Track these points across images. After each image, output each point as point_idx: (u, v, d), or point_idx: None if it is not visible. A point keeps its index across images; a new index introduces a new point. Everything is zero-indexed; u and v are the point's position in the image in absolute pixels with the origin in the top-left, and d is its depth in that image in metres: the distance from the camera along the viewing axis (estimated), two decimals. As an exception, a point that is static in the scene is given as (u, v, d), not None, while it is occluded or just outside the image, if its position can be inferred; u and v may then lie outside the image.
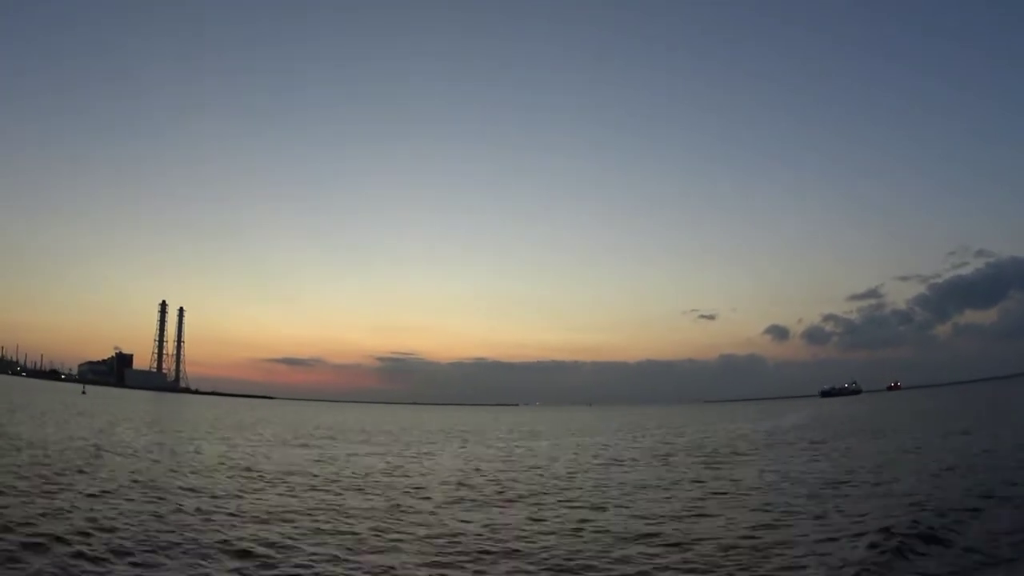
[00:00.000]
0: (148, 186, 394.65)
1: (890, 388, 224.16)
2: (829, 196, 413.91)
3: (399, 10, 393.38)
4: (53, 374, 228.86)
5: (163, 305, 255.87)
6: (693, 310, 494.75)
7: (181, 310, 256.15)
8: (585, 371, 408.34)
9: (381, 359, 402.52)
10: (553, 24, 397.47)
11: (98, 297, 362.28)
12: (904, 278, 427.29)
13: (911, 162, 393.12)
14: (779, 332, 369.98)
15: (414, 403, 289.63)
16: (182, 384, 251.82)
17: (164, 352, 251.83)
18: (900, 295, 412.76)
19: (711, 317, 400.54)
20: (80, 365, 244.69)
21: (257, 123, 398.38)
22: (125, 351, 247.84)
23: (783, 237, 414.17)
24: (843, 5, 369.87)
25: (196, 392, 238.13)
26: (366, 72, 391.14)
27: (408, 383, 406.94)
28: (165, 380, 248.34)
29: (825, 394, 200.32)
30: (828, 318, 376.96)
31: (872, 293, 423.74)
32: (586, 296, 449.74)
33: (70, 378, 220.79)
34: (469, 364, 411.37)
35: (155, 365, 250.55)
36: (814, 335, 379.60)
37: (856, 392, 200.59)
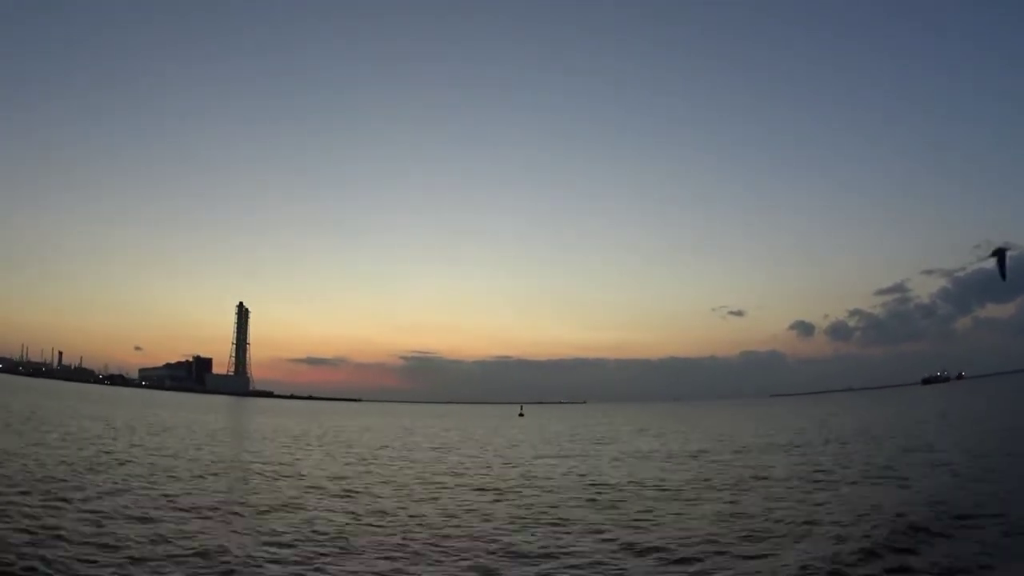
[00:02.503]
0: (172, 188, 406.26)
1: (926, 381, 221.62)
2: (859, 191, 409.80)
3: (428, 15, 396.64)
4: (84, 373, 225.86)
5: (241, 307, 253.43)
6: (722, 306, 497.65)
7: (246, 311, 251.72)
8: (609, 368, 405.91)
9: (405, 358, 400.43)
10: (573, 24, 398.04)
11: (120, 298, 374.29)
12: (929, 272, 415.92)
13: (938, 157, 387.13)
14: (804, 328, 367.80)
15: (446, 402, 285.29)
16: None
17: (234, 355, 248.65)
18: (925, 289, 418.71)
19: (739, 313, 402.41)
20: (144, 368, 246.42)
21: (278, 126, 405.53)
22: (193, 355, 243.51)
23: (813, 232, 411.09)
24: (867, 5, 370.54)
25: (271, 395, 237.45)
26: (387, 75, 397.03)
27: (432, 382, 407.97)
28: (247, 384, 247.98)
29: (927, 381, 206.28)
30: (854, 313, 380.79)
31: (898, 287, 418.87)
32: (612, 294, 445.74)
33: (125, 382, 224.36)
34: (493, 362, 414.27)
35: (231, 369, 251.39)
36: (838, 331, 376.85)
37: (945, 380, 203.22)
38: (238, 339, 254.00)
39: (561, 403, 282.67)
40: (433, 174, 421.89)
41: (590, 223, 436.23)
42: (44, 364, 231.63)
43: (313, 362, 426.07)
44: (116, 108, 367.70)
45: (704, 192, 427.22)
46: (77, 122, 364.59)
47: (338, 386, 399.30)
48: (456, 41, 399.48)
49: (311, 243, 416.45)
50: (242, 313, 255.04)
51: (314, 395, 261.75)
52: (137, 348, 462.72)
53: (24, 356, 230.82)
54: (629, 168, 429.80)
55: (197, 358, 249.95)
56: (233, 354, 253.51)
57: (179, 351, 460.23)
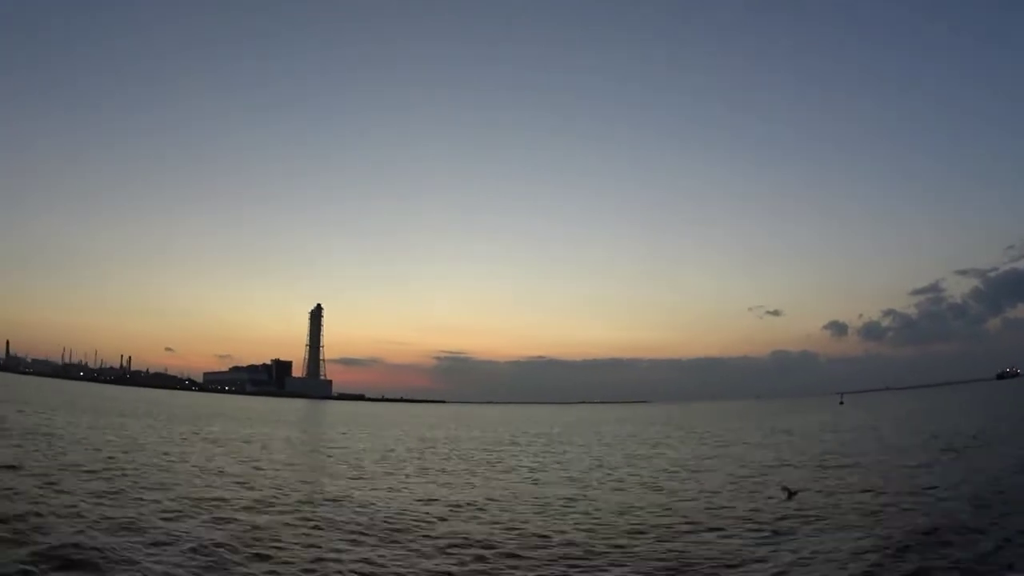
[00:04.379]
0: (206, 191, 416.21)
1: (1000, 376, 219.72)
2: (896, 191, 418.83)
3: (462, 20, 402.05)
4: (166, 379, 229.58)
5: (318, 309, 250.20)
6: (759, 306, 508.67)
7: (320, 314, 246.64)
8: (641, 368, 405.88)
9: (438, 358, 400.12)
10: (612, 25, 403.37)
11: (150, 300, 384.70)
12: (963, 272, 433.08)
13: (972, 159, 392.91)
14: (838, 328, 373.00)
15: (486, 402, 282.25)
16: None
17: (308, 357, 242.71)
18: (958, 289, 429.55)
19: (776, 313, 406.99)
20: (210, 372, 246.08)
21: (311, 130, 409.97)
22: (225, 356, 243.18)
23: (852, 232, 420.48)
24: (899, 7, 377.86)
25: (361, 398, 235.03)
26: (423, 80, 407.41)
27: (465, 382, 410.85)
28: (328, 387, 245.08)
29: (1001, 376, 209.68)
30: (888, 313, 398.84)
31: (933, 287, 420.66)
32: (645, 294, 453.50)
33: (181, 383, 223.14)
34: (526, 363, 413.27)
35: (307, 371, 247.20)
36: (871, 331, 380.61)
37: (1014, 376, 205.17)
38: (314, 342, 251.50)
39: (623, 402, 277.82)
40: (466, 177, 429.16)
41: (625, 224, 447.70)
42: (132, 370, 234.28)
43: (347, 363, 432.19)
44: (145, 112, 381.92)
45: (742, 191, 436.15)
46: (110, 126, 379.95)
47: (373, 387, 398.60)
48: (495, 45, 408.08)
49: (344, 245, 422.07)
50: (316, 316, 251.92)
51: (387, 396, 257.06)
52: (168, 349, 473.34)
53: (68, 358, 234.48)
54: (666, 168, 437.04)
55: (277, 361, 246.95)
56: (311, 357, 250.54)
57: (211, 352, 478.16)
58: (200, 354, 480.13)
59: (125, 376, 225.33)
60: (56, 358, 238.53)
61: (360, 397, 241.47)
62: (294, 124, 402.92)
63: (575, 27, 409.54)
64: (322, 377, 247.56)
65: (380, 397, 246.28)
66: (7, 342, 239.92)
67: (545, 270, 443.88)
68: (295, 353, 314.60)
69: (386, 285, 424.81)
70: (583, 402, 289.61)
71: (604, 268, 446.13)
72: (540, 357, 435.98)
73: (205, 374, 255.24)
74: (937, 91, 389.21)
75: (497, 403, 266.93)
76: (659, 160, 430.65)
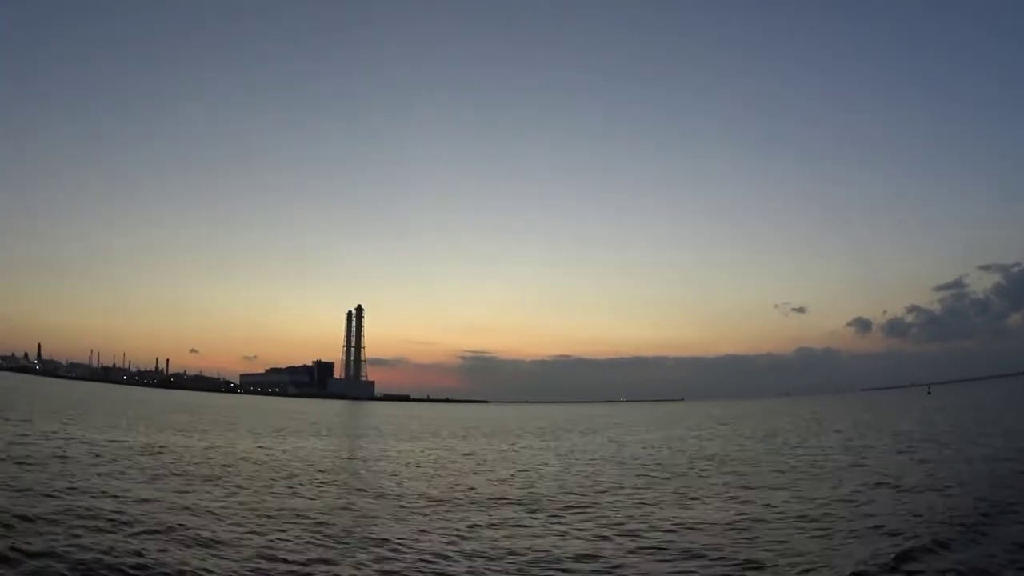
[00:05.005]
0: (225, 190, 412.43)
1: None
2: (919, 187, 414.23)
3: (497, 20, 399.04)
4: (209, 382, 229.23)
5: (359, 310, 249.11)
6: (785, 303, 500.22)
7: (360, 314, 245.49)
8: (667, 366, 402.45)
9: (463, 358, 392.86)
10: (636, 25, 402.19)
11: (174, 300, 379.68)
12: (986, 267, 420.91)
13: (996, 155, 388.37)
14: (862, 324, 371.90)
15: (512, 401, 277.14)
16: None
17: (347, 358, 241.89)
18: (981, 284, 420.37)
19: (801, 310, 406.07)
20: (247, 374, 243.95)
21: (332, 128, 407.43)
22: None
23: (877, 228, 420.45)
24: (918, 4, 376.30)
25: (407, 399, 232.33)
26: (445, 80, 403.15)
27: (491, 382, 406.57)
28: (370, 388, 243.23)
29: None
30: (912, 309, 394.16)
31: (956, 283, 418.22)
32: (670, 292, 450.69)
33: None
34: (552, 361, 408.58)
35: (346, 373, 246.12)
36: (894, 327, 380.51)
37: None
38: (355, 343, 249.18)
39: (650, 401, 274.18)
40: (489, 177, 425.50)
41: (649, 222, 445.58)
42: (171, 373, 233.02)
43: (373, 363, 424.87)
44: (171, 114, 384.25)
45: (767, 188, 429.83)
46: (137, 128, 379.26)
47: (399, 386, 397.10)
48: (526, 46, 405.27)
49: (367, 245, 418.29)
50: (358, 316, 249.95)
51: (432, 396, 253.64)
52: (193, 351, 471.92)
53: (96, 361, 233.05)
54: (693, 167, 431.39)
55: (318, 363, 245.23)
56: (352, 358, 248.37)
57: (237, 353, 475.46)
58: (225, 355, 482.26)
59: (169, 379, 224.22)
60: (84, 360, 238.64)
61: (405, 398, 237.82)
62: (320, 125, 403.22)
63: (608, 24, 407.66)
64: (363, 378, 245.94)
65: (425, 397, 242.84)
66: (39, 345, 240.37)
67: (569, 269, 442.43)
68: (321, 353, 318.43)
69: (410, 285, 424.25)
70: (610, 401, 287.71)
71: (629, 266, 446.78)
72: (565, 356, 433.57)
73: (241, 376, 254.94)
74: (959, 87, 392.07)
75: (531, 402, 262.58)
76: (685, 159, 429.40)
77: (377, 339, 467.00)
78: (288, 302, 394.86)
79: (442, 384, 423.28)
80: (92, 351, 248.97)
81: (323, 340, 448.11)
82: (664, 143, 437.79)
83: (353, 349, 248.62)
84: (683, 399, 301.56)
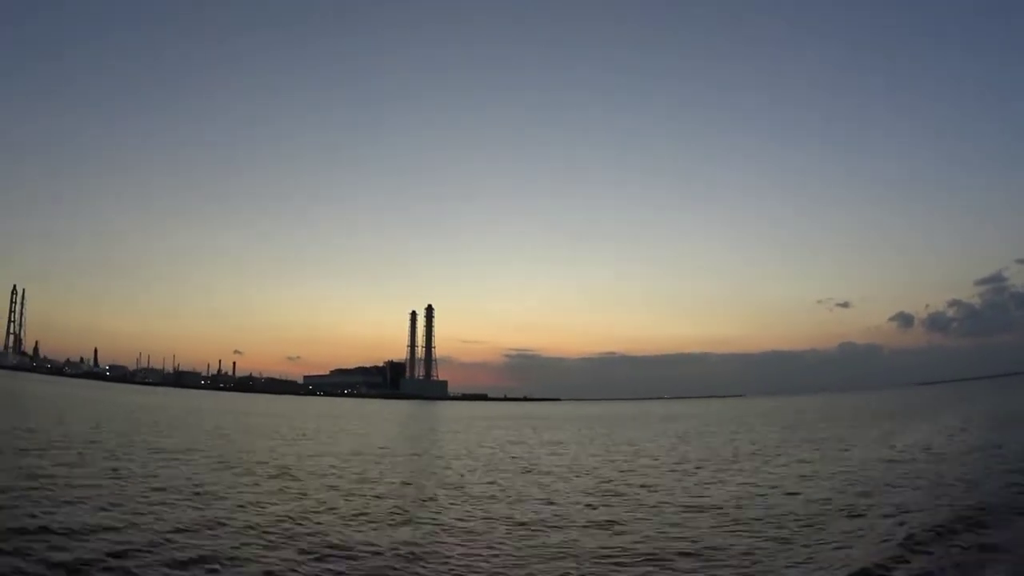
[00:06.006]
0: (272, 191, 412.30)
1: None
2: (961, 177, 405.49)
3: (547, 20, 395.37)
4: (284, 385, 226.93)
5: (429, 309, 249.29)
6: (829, 298, 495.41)
7: (431, 311, 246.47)
8: (711, 363, 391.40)
9: (508, 356, 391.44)
10: (671, 22, 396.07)
11: (218, 301, 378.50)
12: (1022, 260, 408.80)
13: None
14: (904, 319, 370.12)
15: (566, 399, 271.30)
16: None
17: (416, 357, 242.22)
18: (1020, 278, 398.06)
19: (845, 305, 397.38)
20: (310, 375, 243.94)
21: (377, 129, 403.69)
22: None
23: (918, 221, 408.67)
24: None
25: (484, 398, 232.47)
26: (487, 76, 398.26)
27: (536, 379, 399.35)
28: (444, 387, 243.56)
29: None
30: (953, 303, 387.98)
31: (996, 277, 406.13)
32: (714, 288, 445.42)
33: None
34: (597, 359, 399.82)
35: (410, 372, 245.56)
36: (936, 322, 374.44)
37: None
38: (427, 342, 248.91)
39: (696, 398, 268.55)
40: (535, 174, 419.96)
41: (693, 219, 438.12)
42: (244, 376, 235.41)
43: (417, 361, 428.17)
44: (215, 114, 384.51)
45: (809, 184, 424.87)
46: (182, 128, 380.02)
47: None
48: (570, 47, 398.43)
49: (410, 245, 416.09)
50: (428, 315, 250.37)
51: (508, 395, 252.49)
52: (237, 352, 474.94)
53: (144, 363, 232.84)
54: (735, 163, 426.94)
55: (391, 363, 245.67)
56: (423, 357, 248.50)
57: (281, 354, 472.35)
58: (268, 356, 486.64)
59: (248, 383, 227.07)
60: (131, 364, 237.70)
61: (483, 397, 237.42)
62: (367, 126, 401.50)
63: (645, 22, 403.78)
64: (434, 377, 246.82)
65: (502, 396, 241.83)
66: (95, 350, 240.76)
67: (612, 266, 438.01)
68: (368, 353, 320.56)
69: (455, 284, 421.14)
70: (659, 398, 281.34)
71: (672, 263, 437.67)
72: (610, 353, 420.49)
73: (305, 377, 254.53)
74: (1000, 81, 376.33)
75: (586, 400, 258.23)
76: (728, 154, 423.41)
77: (421, 338, 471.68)
78: (332, 302, 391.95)
79: (487, 383, 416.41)
80: (140, 353, 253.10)
81: (369, 340, 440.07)
82: (707, 140, 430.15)
83: (423, 348, 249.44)
84: (743, 395, 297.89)
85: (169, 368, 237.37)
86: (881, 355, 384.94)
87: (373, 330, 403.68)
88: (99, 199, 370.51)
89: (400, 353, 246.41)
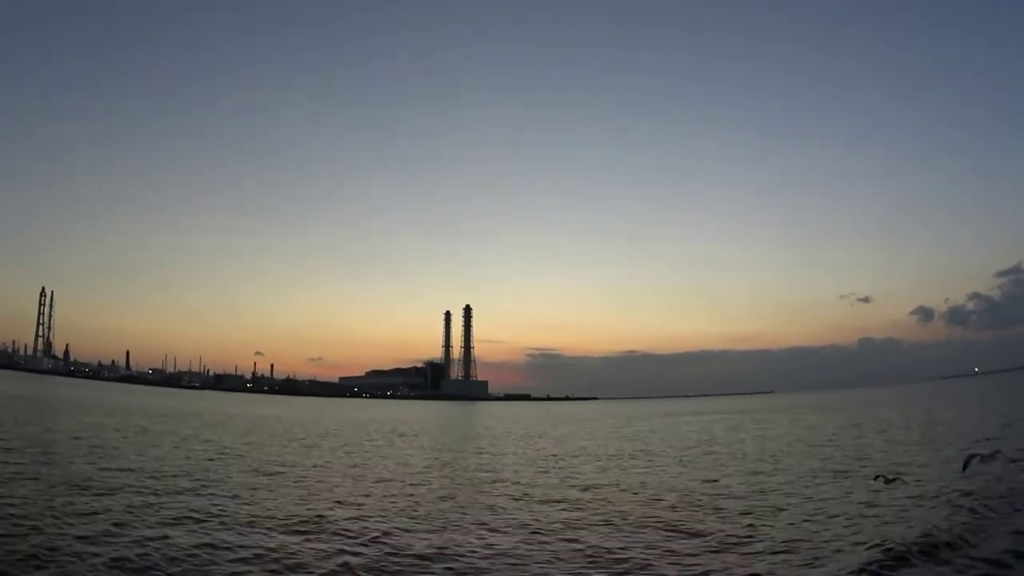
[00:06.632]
0: (288, 194, 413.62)
1: None
2: (982, 169, 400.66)
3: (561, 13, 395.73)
4: (331, 387, 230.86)
5: (467, 309, 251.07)
6: (851, 293, 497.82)
7: (469, 311, 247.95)
8: (732, 360, 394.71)
9: (530, 355, 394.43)
10: (698, 25, 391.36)
11: (239, 302, 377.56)
12: None
13: None
14: (924, 313, 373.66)
15: (593, 398, 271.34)
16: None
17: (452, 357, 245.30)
18: None
19: (867, 300, 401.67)
20: (346, 376, 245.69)
21: (397, 128, 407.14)
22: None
23: (938, 214, 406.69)
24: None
25: (528, 398, 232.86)
26: (519, 76, 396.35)
27: (559, 378, 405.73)
28: (484, 388, 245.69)
29: None
30: (972, 296, 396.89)
31: (1016, 268, 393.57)
32: (735, 285, 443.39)
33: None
34: (618, 358, 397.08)
35: (460, 373, 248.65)
36: (955, 315, 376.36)
37: None
38: (465, 342, 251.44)
39: (720, 395, 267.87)
40: (553, 174, 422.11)
41: (713, 215, 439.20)
42: (286, 379, 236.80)
43: (436, 362, 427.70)
44: (238, 117, 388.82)
45: (830, 180, 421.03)
46: (204, 132, 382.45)
47: None
48: (596, 47, 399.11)
49: (433, 246, 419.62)
50: (466, 316, 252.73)
51: (538, 395, 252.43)
52: (258, 353, 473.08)
53: (171, 366, 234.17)
54: (755, 157, 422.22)
55: (431, 363, 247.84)
56: (459, 357, 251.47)
57: (302, 356, 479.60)
58: (290, 357, 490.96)
59: (292, 386, 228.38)
60: (158, 366, 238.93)
61: (526, 397, 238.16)
62: (388, 129, 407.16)
63: (669, 18, 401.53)
64: (473, 377, 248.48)
65: (545, 396, 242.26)
66: (127, 352, 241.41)
67: (631, 265, 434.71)
68: (395, 354, 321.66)
69: (475, 284, 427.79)
70: (684, 396, 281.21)
71: (692, 260, 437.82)
72: (631, 352, 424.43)
73: (340, 379, 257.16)
74: (1016, 76, 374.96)
75: (618, 399, 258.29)
76: (747, 149, 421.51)
77: (434, 339, 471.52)
78: (351, 304, 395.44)
79: (511, 382, 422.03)
80: (167, 356, 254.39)
81: (391, 340, 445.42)
82: (728, 138, 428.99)
83: (459, 349, 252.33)
84: (772, 391, 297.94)
85: (208, 370, 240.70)
86: (901, 349, 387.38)
87: (395, 331, 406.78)
88: (120, 202, 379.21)
89: (424, 353, 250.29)
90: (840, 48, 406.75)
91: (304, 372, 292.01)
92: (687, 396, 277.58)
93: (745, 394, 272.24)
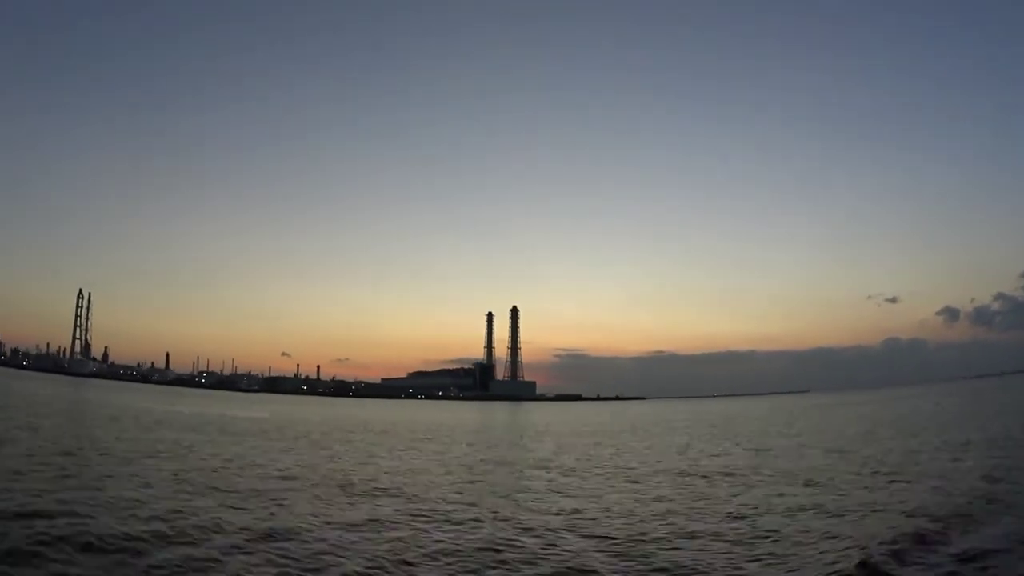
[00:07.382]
0: (313, 195, 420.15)
1: None
2: (1002, 171, 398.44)
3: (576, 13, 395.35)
4: (387, 388, 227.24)
5: (514, 310, 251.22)
6: (879, 293, 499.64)
7: (516, 313, 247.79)
8: (758, 360, 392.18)
9: (558, 356, 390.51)
10: (722, 22, 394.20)
11: (265, 304, 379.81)
12: None
13: None
14: (951, 314, 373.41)
15: (626, 398, 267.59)
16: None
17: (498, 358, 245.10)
18: None
19: (893, 300, 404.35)
20: (389, 378, 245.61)
21: (423, 130, 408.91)
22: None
23: (965, 214, 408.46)
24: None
25: (578, 398, 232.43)
26: (542, 74, 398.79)
27: (588, 379, 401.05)
28: (532, 388, 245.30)
29: None
30: (998, 297, 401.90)
31: None
32: (761, 285, 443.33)
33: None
34: (647, 358, 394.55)
35: (507, 374, 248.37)
36: (981, 315, 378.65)
37: None
38: (512, 343, 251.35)
39: (749, 395, 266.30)
40: (583, 174, 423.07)
41: (738, 214, 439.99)
42: (339, 381, 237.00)
43: (462, 362, 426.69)
44: (261, 117, 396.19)
45: (859, 182, 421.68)
46: (226, 132, 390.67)
47: None
48: (633, 48, 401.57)
49: (459, 246, 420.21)
50: (513, 317, 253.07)
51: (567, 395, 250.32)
52: (284, 354, 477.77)
53: (203, 367, 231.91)
54: (780, 156, 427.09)
55: (479, 364, 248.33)
56: (506, 358, 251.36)
57: (330, 356, 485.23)
58: (316, 358, 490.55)
59: (350, 389, 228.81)
60: (189, 368, 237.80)
61: (577, 397, 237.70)
62: (415, 131, 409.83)
63: (702, 14, 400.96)
64: (520, 378, 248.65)
65: (595, 396, 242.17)
66: (167, 355, 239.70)
67: (657, 265, 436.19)
68: (425, 354, 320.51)
69: (502, 284, 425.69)
70: (712, 396, 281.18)
71: (718, 260, 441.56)
72: (659, 352, 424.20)
73: (383, 379, 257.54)
74: None
75: (651, 399, 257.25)
76: (772, 147, 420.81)
77: (469, 340, 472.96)
78: (383, 305, 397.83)
79: (540, 383, 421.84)
80: (197, 357, 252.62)
81: (423, 341, 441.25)
82: (757, 139, 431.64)
83: (508, 349, 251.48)
84: (807, 391, 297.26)
85: (253, 372, 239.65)
86: (926, 350, 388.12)
87: (421, 333, 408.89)
88: (147, 204, 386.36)
89: (455, 353, 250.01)
90: (869, 47, 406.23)
91: (335, 373, 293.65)
92: (715, 396, 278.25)
93: (778, 393, 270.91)
